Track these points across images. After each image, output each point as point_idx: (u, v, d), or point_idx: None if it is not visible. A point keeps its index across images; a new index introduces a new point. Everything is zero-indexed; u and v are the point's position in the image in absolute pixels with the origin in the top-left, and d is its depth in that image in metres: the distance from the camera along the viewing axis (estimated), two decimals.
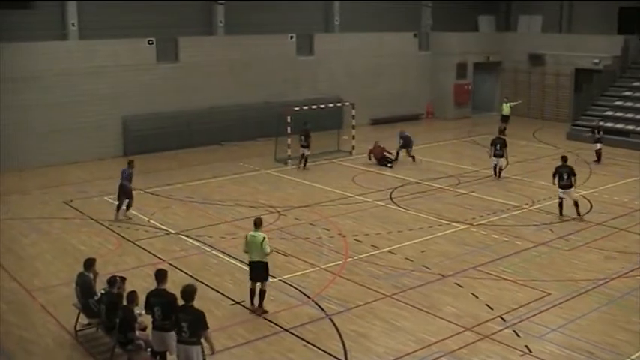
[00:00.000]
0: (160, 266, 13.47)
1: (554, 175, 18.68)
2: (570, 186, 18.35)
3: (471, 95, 37.14)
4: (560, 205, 18.55)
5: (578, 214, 18.34)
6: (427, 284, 14.21)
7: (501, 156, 22.68)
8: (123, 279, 11.33)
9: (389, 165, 24.96)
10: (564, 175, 18.34)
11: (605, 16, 35.90)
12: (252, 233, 12.73)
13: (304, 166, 24.89)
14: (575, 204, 18.35)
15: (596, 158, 25.29)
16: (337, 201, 20.53)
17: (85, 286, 11.63)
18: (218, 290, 13.91)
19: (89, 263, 11.87)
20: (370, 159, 25.62)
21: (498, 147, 22.58)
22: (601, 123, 27.02)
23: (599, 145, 25.31)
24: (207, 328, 9.76)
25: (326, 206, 20.02)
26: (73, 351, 11.58)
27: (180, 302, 9.87)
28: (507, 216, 18.97)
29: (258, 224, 12.82)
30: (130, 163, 18.92)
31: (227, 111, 29.27)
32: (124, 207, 18.77)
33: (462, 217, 18.78)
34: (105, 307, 11.06)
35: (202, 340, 9.77)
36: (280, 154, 25.66)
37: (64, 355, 11.46)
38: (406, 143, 25.56)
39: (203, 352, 9.77)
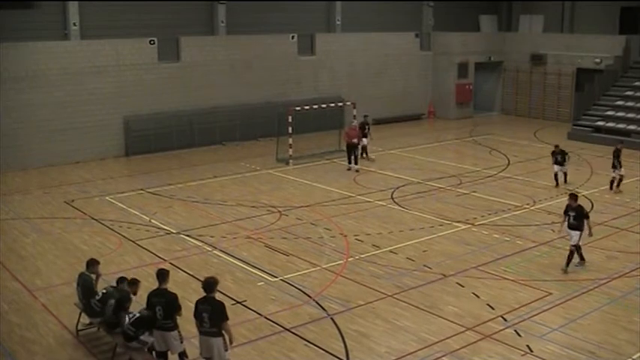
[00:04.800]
0: (161, 266, 13.51)
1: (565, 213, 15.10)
2: (577, 228, 14.73)
3: (472, 95, 37.12)
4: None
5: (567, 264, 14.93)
6: (428, 284, 14.21)
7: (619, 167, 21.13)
8: (135, 282, 11.20)
9: (355, 165, 24.23)
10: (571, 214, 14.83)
11: (606, 16, 35.85)
12: None
13: (366, 155, 26.14)
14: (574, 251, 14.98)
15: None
16: (338, 201, 20.53)
17: (86, 286, 11.64)
18: (219, 290, 13.76)
19: (91, 263, 11.89)
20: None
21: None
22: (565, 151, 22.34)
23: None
24: (227, 319, 9.91)
25: (327, 206, 20.02)
26: (75, 351, 11.59)
27: (202, 294, 10.08)
28: (509, 216, 18.96)
29: None
30: None
31: (228, 111, 29.30)
32: None
33: (463, 216, 18.77)
34: (101, 306, 11.20)
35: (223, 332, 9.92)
36: (282, 153, 25.65)
37: (65, 354, 11.47)
38: None
39: (225, 345, 9.93)
